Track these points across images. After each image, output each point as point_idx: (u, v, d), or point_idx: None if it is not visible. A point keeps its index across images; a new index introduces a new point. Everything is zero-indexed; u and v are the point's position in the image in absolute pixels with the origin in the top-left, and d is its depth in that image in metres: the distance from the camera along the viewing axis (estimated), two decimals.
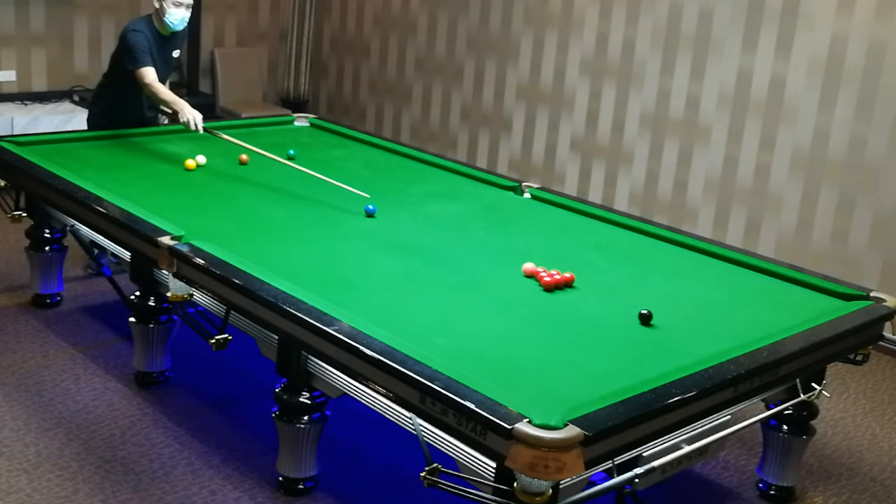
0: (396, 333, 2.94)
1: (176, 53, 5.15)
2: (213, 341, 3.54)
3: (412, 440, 2.83)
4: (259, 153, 4.69)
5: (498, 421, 2.48)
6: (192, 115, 4.74)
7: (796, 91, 5.43)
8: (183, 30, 5.07)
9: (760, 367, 2.99)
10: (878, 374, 4.99)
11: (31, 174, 4.37)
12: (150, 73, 4.79)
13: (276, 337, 3.30)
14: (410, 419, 2.79)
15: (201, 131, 4.78)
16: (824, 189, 5.37)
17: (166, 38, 4.98)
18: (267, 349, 3.41)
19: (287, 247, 3.79)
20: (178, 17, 4.87)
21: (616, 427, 2.55)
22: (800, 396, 3.37)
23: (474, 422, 2.54)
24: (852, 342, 3.42)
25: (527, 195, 4.67)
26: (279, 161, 4.64)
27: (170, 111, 5.01)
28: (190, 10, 4.91)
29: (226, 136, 4.86)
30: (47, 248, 4.72)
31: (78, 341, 4.53)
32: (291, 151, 4.99)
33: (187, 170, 4.64)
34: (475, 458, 2.66)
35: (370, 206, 4.17)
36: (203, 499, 3.41)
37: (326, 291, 3.25)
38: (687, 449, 2.84)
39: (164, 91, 4.83)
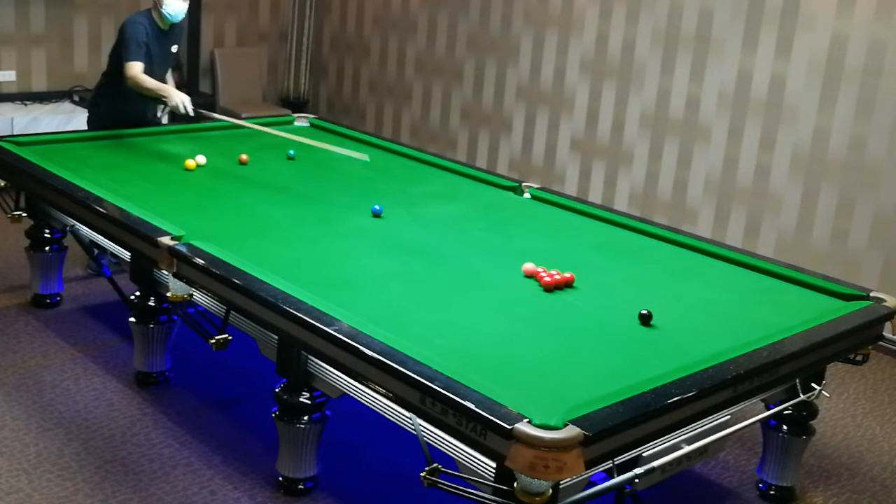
0: (396, 333, 2.94)
1: (174, 48, 5.13)
2: (213, 341, 3.54)
3: (412, 440, 2.83)
4: (256, 128, 4.79)
5: (498, 421, 2.48)
6: (179, 100, 4.76)
7: (796, 91, 5.43)
8: (180, 23, 5.06)
9: (760, 367, 2.99)
10: (878, 374, 4.99)
11: (31, 174, 4.37)
12: (135, 67, 4.79)
13: (276, 337, 3.30)
14: (410, 419, 2.80)
15: (192, 113, 4.81)
16: (824, 189, 5.37)
17: (165, 33, 4.97)
18: (267, 349, 3.41)
19: (287, 247, 3.79)
20: (176, 9, 4.87)
21: (616, 427, 2.55)
22: (799, 396, 3.37)
23: (474, 422, 2.54)
24: (852, 342, 3.42)
25: (527, 195, 4.67)
26: (277, 134, 4.70)
27: (160, 102, 5.00)
28: (188, 1, 4.91)
29: (218, 116, 4.88)
30: (47, 248, 4.72)
31: (78, 341, 4.53)
32: (291, 151, 5.00)
33: (187, 170, 4.64)
34: (475, 458, 2.66)
35: (377, 207, 4.17)
36: (203, 499, 3.42)
37: (326, 291, 3.25)
38: (687, 449, 2.84)
39: (147, 81, 4.81)
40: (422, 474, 2.68)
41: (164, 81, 5.06)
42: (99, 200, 4.01)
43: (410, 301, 3.35)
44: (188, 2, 4.91)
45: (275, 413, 3.36)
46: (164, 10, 4.84)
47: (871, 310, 3.50)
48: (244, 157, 4.85)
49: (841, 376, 4.90)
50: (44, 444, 3.66)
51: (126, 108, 5.12)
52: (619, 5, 6.21)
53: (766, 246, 5.60)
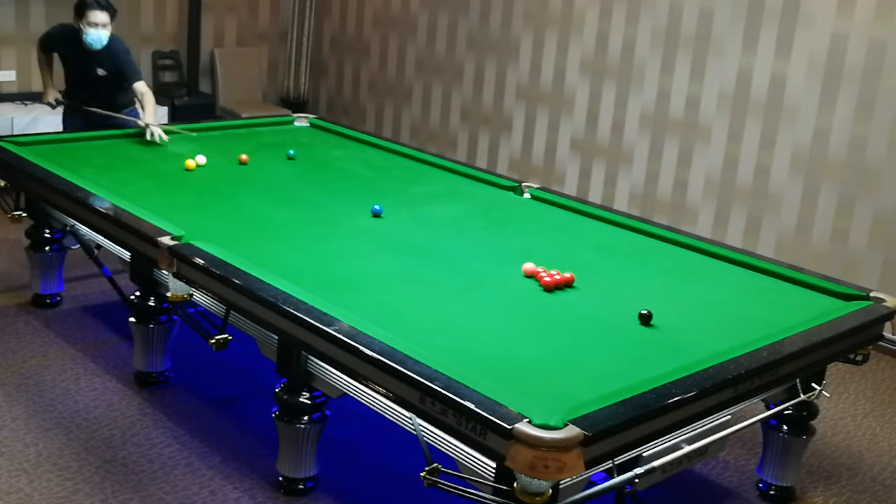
0: (396, 333, 2.94)
1: (101, 72, 5.20)
2: (213, 341, 3.54)
3: (412, 440, 2.83)
4: (181, 131, 5.18)
5: (498, 421, 2.48)
6: (49, 97, 5.38)
7: (796, 91, 5.43)
8: (117, 52, 5.17)
9: (760, 367, 2.99)
10: (878, 374, 4.99)
11: (31, 174, 4.38)
12: (41, 49, 5.36)
13: (276, 337, 3.30)
14: (410, 419, 2.79)
15: (55, 104, 5.37)
16: (824, 189, 5.37)
17: (88, 53, 5.12)
18: (267, 349, 3.41)
19: (287, 247, 3.79)
20: (92, 36, 5.04)
21: (616, 427, 2.55)
22: (800, 396, 3.37)
23: (474, 422, 2.54)
24: (852, 342, 3.42)
25: (527, 195, 4.67)
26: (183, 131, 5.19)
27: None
28: (108, 28, 5.08)
29: (122, 117, 5.24)
30: (47, 248, 4.72)
31: (78, 341, 4.53)
32: (291, 151, 5.00)
33: (187, 170, 4.64)
34: (475, 458, 2.66)
35: (377, 207, 4.17)
36: (203, 499, 3.41)
37: (326, 291, 3.25)
38: (687, 449, 2.84)
39: (40, 63, 5.35)
40: (422, 474, 2.68)
41: (94, 98, 5.27)
42: (99, 200, 4.01)
43: (410, 301, 3.35)
44: (108, 28, 5.07)
45: (275, 413, 3.36)
46: (84, 38, 5.05)
47: (871, 310, 3.50)
48: (244, 157, 4.85)
49: (841, 376, 4.90)
50: (44, 444, 3.66)
51: (80, 97, 5.32)
52: (619, 5, 6.21)
53: (766, 246, 5.60)
